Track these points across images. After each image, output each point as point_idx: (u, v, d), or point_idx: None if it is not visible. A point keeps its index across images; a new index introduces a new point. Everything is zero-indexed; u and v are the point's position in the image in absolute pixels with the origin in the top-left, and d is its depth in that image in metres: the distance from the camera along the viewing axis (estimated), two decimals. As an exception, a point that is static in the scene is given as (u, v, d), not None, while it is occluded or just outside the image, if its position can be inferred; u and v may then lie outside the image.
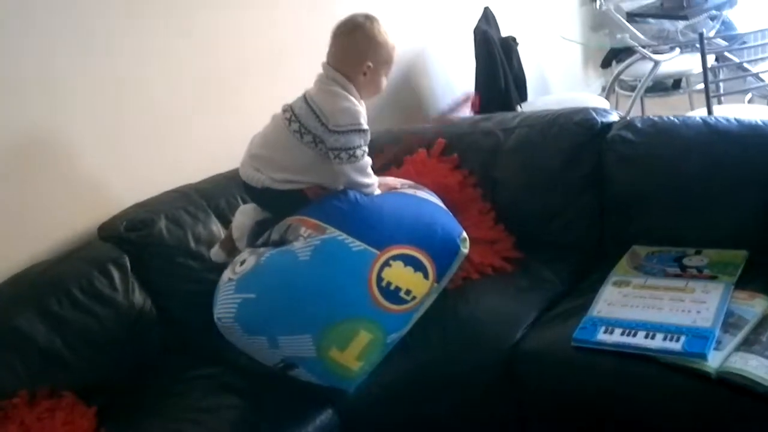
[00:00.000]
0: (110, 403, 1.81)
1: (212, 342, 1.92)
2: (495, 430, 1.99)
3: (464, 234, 1.93)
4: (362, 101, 1.93)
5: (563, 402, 1.81)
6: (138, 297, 2.03)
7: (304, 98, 1.92)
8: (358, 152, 1.87)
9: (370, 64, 1.89)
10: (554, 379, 1.81)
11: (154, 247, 2.08)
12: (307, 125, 1.88)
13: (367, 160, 1.93)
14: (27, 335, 1.83)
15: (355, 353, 1.75)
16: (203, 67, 2.38)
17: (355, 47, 1.89)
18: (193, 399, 1.85)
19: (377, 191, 1.97)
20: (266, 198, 1.97)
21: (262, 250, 1.87)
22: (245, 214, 2.06)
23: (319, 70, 1.94)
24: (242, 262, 1.86)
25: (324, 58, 1.94)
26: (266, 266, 1.80)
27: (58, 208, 2.09)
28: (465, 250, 1.92)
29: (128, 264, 2.04)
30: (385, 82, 1.95)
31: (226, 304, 1.81)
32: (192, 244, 2.12)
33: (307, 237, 1.80)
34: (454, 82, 3.47)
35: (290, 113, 1.91)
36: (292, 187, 1.93)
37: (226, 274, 1.87)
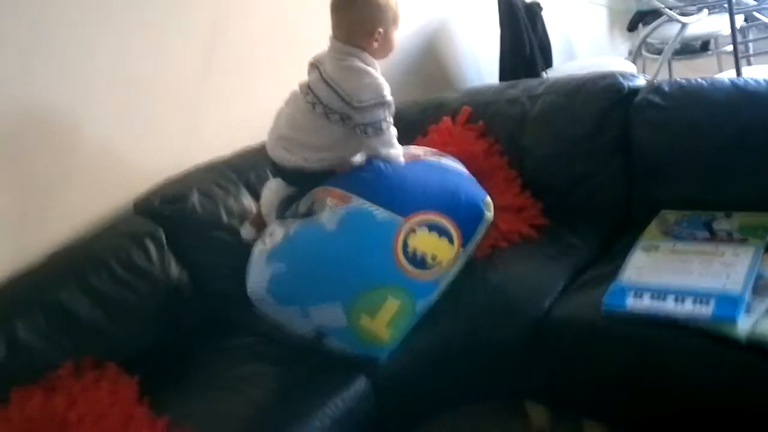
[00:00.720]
0: (151, 372, 1.86)
1: (247, 313, 1.97)
2: (524, 398, 2.02)
3: (488, 198, 1.95)
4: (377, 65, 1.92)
5: (593, 369, 1.83)
6: (174, 269, 2.08)
7: (322, 78, 1.90)
8: (383, 125, 1.88)
9: (381, 29, 1.87)
10: (584, 346, 1.82)
11: (188, 220, 2.12)
12: (331, 106, 1.89)
13: (393, 131, 1.94)
14: (70, 309, 1.89)
15: (385, 321, 1.78)
16: (230, 43, 2.40)
17: (362, 18, 1.86)
18: (230, 368, 1.90)
19: (402, 160, 1.98)
20: (297, 177, 1.99)
21: (290, 221, 1.90)
22: (272, 191, 2.09)
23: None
24: (271, 234, 1.90)
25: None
26: (295, 238, 1.84)
27: (93, 185, 2.13)
28: (489, 213, 1.94)
29: (164, 237, 2.09)
30: (395, 38, 1.92)
31: (258, 276, 1.85)
32: (224, 218, 2.16)
33: (333, 207, 1.83)
34: (478, 49, 3.46)
35: (311, 96, 1.91)
36: (323, 165, 1.95)
37: (258, 246, 1.91)
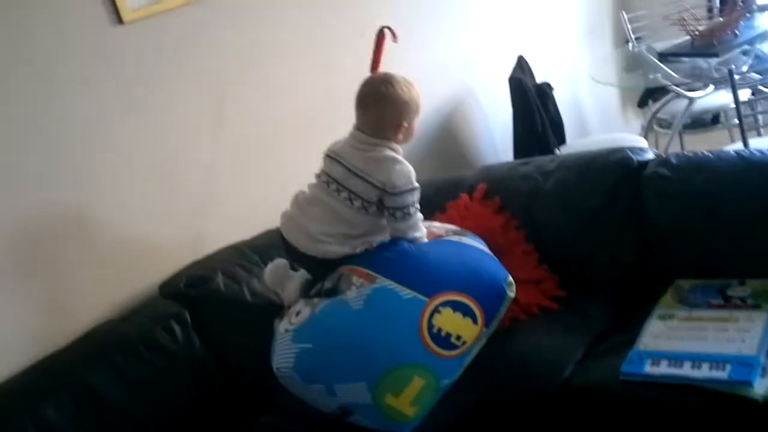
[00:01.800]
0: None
1: (270, 391, 1.99)
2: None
3: (510, 278, 1.97)
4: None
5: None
6: (198, 350, 2.10)
7: (351, 172, 1.97)
8: (411, 210, 1.97)
9: (406, 123, 1.98)
10: (604, 413, 1.83)
11: (212, 301, 2.16)
12: (369, 198, 1.96)
13: (419, 216, 2.02)
14: (96, 390, 1.90)
15: (410, 399, 1.80)
16: (252, 124, 2.49)
17: (390, 115, 1.96)
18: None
19: (425, 240, 2.04)
20: (324, 265, 2.01)
21: (316, 300, 1.93)
22: (291, 281, 2.12)
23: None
24: (297, 313, 1.93)
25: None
26: (321, 316, 1.87)
27: (120, 270, 2.19)
28: (511, 294, 1.96)
29: (188, 319, 2.12)
30: (414, 128, 2.04)
31: (284, 354, 1.87)
32: (248, 297, 2.21)
33: (359, 286, 1.86)
34: (493, 128, 3.56)
35: (346, 192, 1.98)
36: (354, 251, 2.00)
37: (283, 325, 1.94)
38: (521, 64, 3.41)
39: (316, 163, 2.10)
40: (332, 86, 2.69)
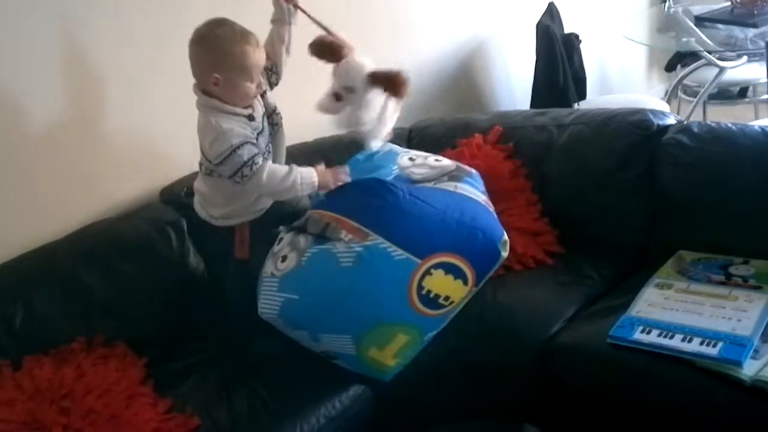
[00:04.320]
0: (159, 355, 1.90)
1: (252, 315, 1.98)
2: (523, 419, 2.02)
3: (505, 236, 1.91)
4: (238, 106, 1.85)
5: (594, 398, 1.83)
6: (192, 259, 2.12)
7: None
8: (245, 170, 1.81)
9: (218, 76, 1.80)
10: (587, 375, 1.83)
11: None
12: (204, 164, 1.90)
13: (263, 168, 1.82)
14: (87, 285, 1.94)
15: (393, 352, 1.80)
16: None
17: (197, 60, 1.82)
18: (236, 360, 1.93)
19: (314, 180, 1.88)
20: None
21: (302, 245, 1.86)
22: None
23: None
24: (284, 258, 1.86)
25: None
26: (308, 268, 1.81)
27: (123, 171, 2.19)
28: (505, 253, 1.90)
29: (185, 227, 2.12)
30: (252, 86, 1.83)
31: (269, 300, 1.84)
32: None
33: (348, 241, 1.80)
34: (513, 74, 3.48)
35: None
36: (224, 224, 1.96)
37: (269, 267, 1.89)
38: (551, 11, 3.30)
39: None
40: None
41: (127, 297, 1.98)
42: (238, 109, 1.86)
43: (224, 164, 1.82)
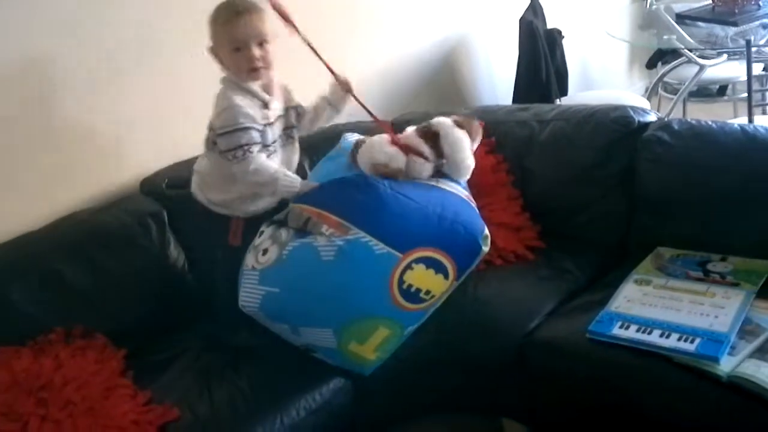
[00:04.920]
0: (138, 347, 1.89)
1: (237, 304, 1.98)
2: (503, 414, 2.04)
3: (486, 231, 1.92)
4: (250, 83, 1.87)
5: (572, 392, 1.85)
6: (173, 251, 2.11)
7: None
8: (238, 153, 1.81)
9: (216, 50, 1.86)
10: (565, 370, 1.84)
11: (192, 205, 2.12)
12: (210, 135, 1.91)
13: (253, 158, 1.83)
14: (65, 276, 1.93)
15: (373, 346, 1.80)
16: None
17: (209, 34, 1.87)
18: (216, 351, 1.92)
19: (294, 190, 1.90)
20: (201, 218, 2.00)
21: (283, 238, 1.85)
22: None
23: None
24: (265, 252, 1.86)
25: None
26: (289, 262, 1.81)
27: (103, 161, 2.18)
28: (486, 248, 1.91)
29: (166, 219, 2.11)
30: (242, 61, 1.82)
31: (250, 293, 1.84)
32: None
33: (329, 236, 1.80)
34: (495, 69, 3.49)
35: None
36: (221, 211, 1.97)
37: (249, 260, 1.88)
38: (534, 6, 3.30)
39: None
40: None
41: (106, 288, 1.97)
42: (254, 87, 1.87)
43: (223, 137, 1.83)
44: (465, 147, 1.99)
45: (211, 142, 1.91)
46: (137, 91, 2.20)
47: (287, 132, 2.00)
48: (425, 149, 1.96)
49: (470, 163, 2.03)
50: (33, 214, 2.03)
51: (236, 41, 1.82)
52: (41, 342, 1.78)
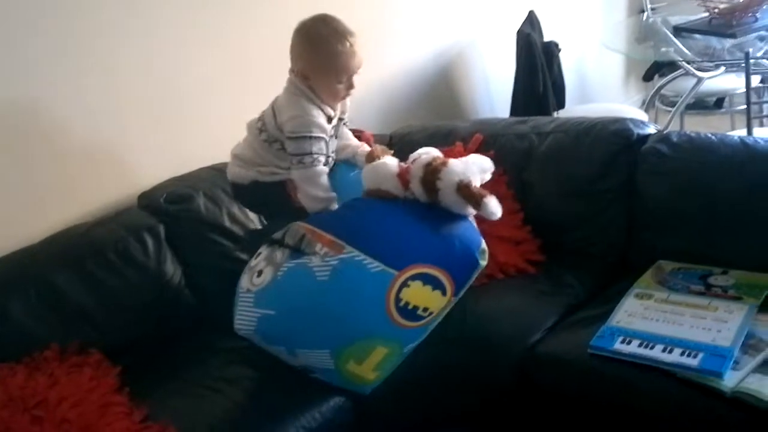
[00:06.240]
0: (135, 364, 1.87)
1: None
2: (503, 430, 2.02)
3: (483, 245, 1.89)
4: (326, 104, 1.90)
5: (575, 408, 1.83)
6: (169, 266, 2.09)
7: (272, 104, 1.96)
8: (307, 159, 1.87)
9: (307, 70, 1.85)
10: (567, 385, 1.83)
11: (190, 221, 2.14)
12: (266, 124, 1.93)
13: (318, 170, 1.89)
14: (62, 291, 1.91)
15: (372, 365, 1.78)
16: (246, 45, 2.43)
17: (294, 48, 1.87)
18: (214, 368, 1.90)
19: (333, 206, 1.94)
20: (255, 194, 2.01)
21: (278, 259, 1.83)
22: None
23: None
24: (260, 273, 1.83)
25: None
26: (284, 283, 1.78)
27: (101, 176, 2.17)
28: (483, 262, 1.88)
29: (163, 234, 2.10)
30: (340, 88, 1.87)
31: (245, 316, 1.82)
32: (226, 223, 2.19)
33: (323, 255, 1.77)
34: (492, 82, 3.49)
35: (261, 122, 1.96)
36: (275, 179, 1.97)
37: (244, 283, 1.86)
38: (531, 19, 3.31)
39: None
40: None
41: (102, 303, 1.95)
42: (325, 106, 1.89)
43: (294, 141, 1.86)
44: (461, 211, 1.90)
45: (271, 137, 1.91)
46: (136, 106, 2.19)
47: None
48: (423, 197, 1.90)
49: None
50: (30, 228, 2.02)
51: (338, 72, 1.84)
52: (36, 359, 1.76)
